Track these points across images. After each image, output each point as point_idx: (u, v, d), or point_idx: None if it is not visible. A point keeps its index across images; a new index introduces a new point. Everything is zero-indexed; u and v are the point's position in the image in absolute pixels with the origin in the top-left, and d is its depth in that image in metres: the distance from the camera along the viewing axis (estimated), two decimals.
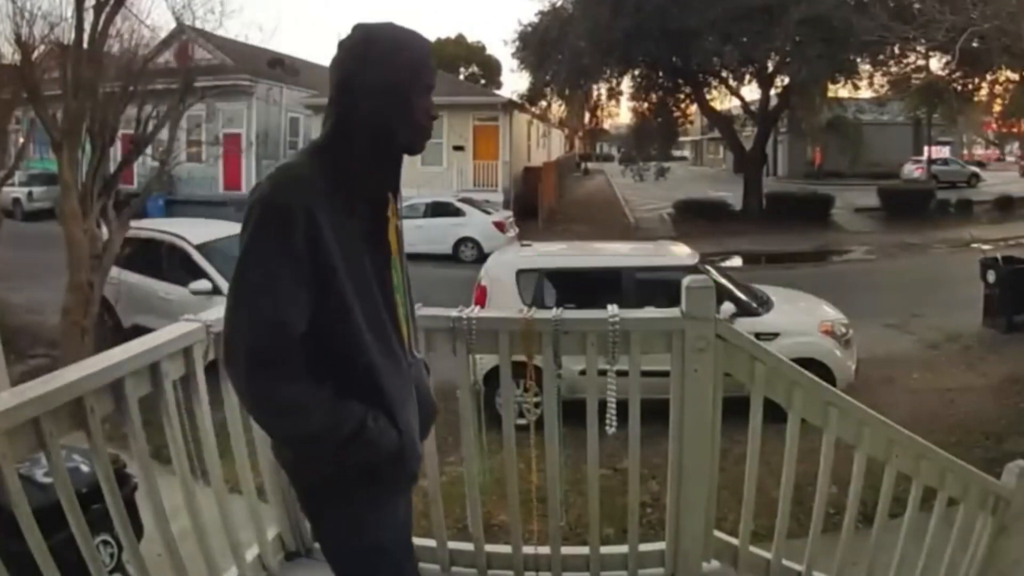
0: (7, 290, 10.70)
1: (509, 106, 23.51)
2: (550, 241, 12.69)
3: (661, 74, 22.76)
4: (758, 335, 4.44)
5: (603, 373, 2.33)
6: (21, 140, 10.80)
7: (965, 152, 39.53)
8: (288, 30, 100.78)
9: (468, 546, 2.55)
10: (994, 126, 30.97)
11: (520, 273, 7.33)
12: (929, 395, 7.50)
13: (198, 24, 10.54)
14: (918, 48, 16.18)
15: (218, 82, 14.29)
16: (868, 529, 2.53)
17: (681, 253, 7.85)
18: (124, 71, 8.35)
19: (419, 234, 14.80)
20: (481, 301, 7.07)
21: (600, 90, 23.58)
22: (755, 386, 2.34)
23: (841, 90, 22.20)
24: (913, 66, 19.28)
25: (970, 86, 20.40)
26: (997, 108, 23.31)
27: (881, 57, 19.20)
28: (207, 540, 2.15)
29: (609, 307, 2.31)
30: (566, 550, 2.54)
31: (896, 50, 18.21)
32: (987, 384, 7.86)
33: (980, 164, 36.71)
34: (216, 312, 2.30)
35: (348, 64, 1.49)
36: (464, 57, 44.17)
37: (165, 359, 2.03)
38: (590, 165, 47.85)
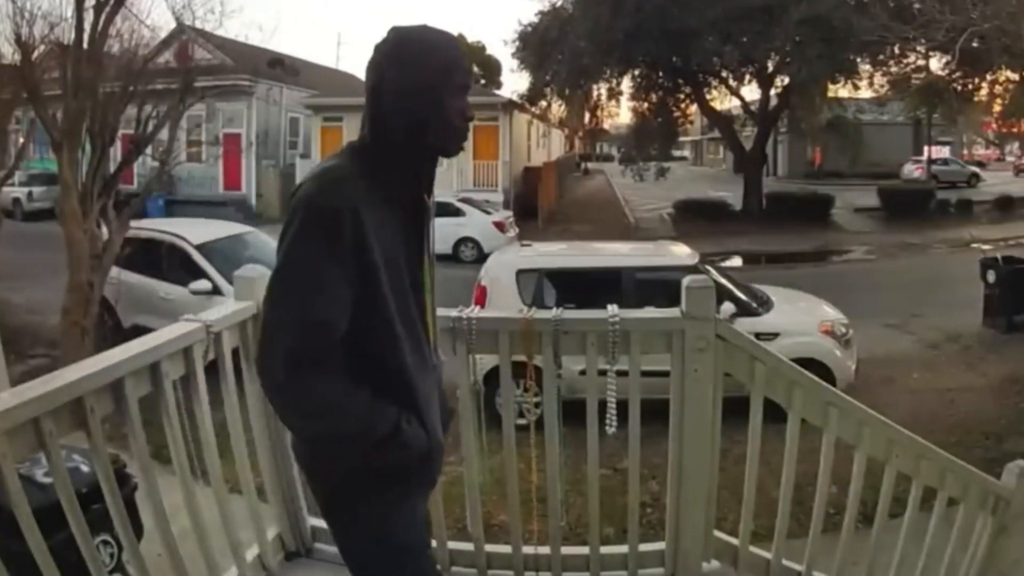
0: (7, 290, 10.69)
1: (509, 106, 23.51)
2: (550, 241, 12.70)
3: (661, 74, 22.76)
4: (758, 335, 4.43)
5: (603, 373, 2.33)
6: (21, 140, 10.79)
7: (965, 152, 39.52)
8: (288, 30, 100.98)
9: (468, 546, 2.55)
10: (994, 126, 30.96)
11: (520, 273, 7.33)
12: (929, 395, 7.49)
13: (198, 24, 10.53)
14: (918, 48, 16.18)
15: (218, 82, 14.27)
16: (868, 529, 2.53)
17: (681, 253, 7.85)
18: (124, 71, 8.34)
19: None
20: (481, 301, 7.07)
21: (600, 90, 23.59)
22: (755, 386, 2.34)
23: (841, 90, 22.24)
24: (913, 66, 19.28)
25: (970, 86, 20.39)
26: (997, 108, 23.30)
27: (881, 57, 19.19)
28: (207, 540, 2.15)
29: (609, 307, 2.31)
30: (566, 550, 2.54)
31: (896, 50, 18.20)
32: (987, 384, 7.85)
33: (980, 164, 36.72)
34: (216, 312, 2.31)
35: (382, 66, 1.50)
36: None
37: (165, 359, 2.03)
38: (590, 165, 47.83)
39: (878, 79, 20.75)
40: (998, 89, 20.47)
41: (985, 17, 10.05)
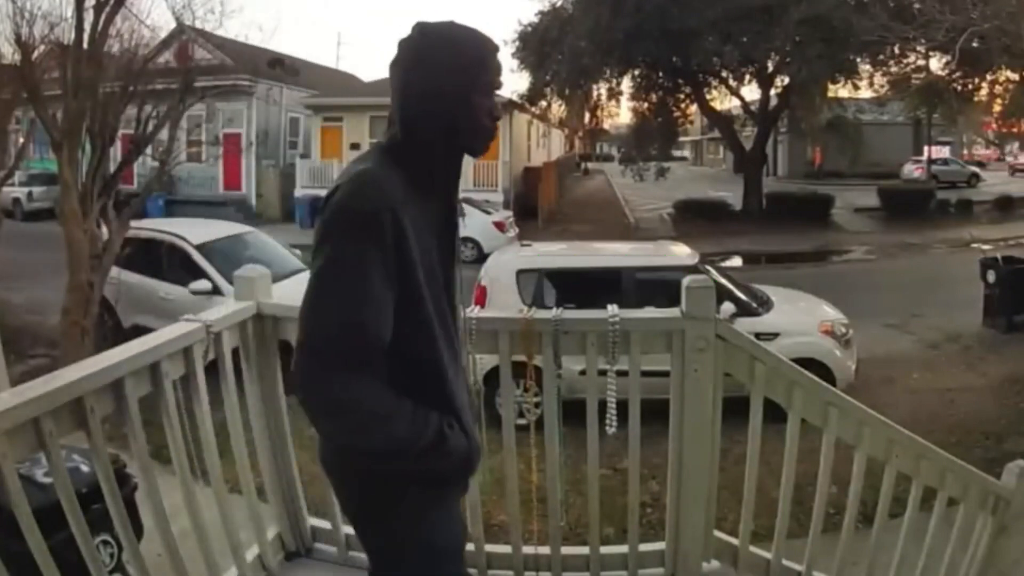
0: (7, 290, 10.69)
1: (509, 106, 23.44)
2: (550, 241, 12.70)
3: (661, 74, 22.75)
4: (758, 335, 4.43)
5: (603, 373, 2.33)
6: (21, 140, 10.78)
7: (965, 152, 39.52)
8: (288, 30, 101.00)
9: (468, 546, 2.54)
10: (994, 126, 30.93)
11: (520, 273, 7.33)
12: (929, 395, 7.49)
13: (198, 24, 10.51)
14: (918, 48, 16.18)
15: (218, 82, 14.24)
16: (868, 529, 2.53)
17: (681, 253, 7.85)
18: (124, 71, 8.33)
19: None
20: (481, 301, 7.06)
21: (600, 90, 23.57)
22: (755, 386, 2.34)
23: (841, 90, 22.21)
24: (913, 66, 19.28)
25: (970, 86, 20.38)
26: (997, 108, 23.28)
27: (881, 57, 19.18)
28: (207, 540, 2.15)
29: (609, 307, 2.31)
30: (566, 550, 2.54)
31: (896, 50, 18.20)
32: (987, 384, 7.85)
33: (980, 164, 36.71)
34: (216, 312, 2.32)
35: (408, 65, 1.48)
36: None
37: (165, 359, 2.03)
38: (590, 165, 47.82)
39: (878, 79, 20.76)
40: (998, 89, 20.47)
41: (985, 17, 10.05)
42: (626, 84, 23.39)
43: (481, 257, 13.78)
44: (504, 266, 7.67)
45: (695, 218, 21.59)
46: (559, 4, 22.53)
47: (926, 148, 30.30)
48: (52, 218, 10.63)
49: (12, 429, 1.59)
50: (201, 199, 20.76)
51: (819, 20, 17.46)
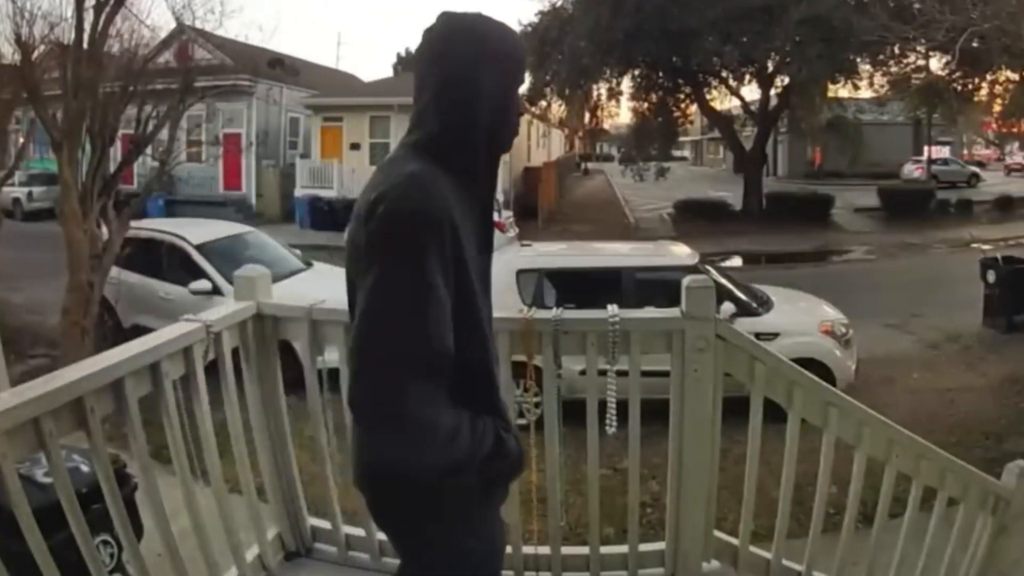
0: (7, 290, 10.68)
1: None
2: (550, 241, 12.69)
3: (661, 74, 22.76)
4: (758, 335, 4.43)
5: (603, 373, 2.33)
6: (21, 140, 10.78)
7: (965, 152, 39.51)
8: (288, 30, 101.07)
9: None
10: (994, 126, 30.93)
11: (520, 273, 7.32)
12: (929, 395, 7.49)
13: (198, 24, 10.51)
14: (918, 48, 16.18)
15: (218, 82, 14.22)
16: (868, 529, 2.52)
17: (681, 253, 7.85)
18: (124, 71, 8.32)
19: None
20: None
21: (600, 90, 23.61)
22: (755, 386, 2.34)
23: (841, 90, 22.23)
24: (913, 66, 19.28)
25: (970, 86, 20.38)
26: (997, 108, 23.28)
27: (881, 57, 19.19)
28: (207, 540, 2.15)
29: (609, 307, 2.31)
30: (566, 550, 2.54)
31: (896, 50, 18.20)
32: (987, 384, 7.85)
33: (980, 164, 36.71)
34: (216, 312, 2.31)
35: (437, 60, 1.44)
36: None
37: (165, 359, 2.03)
38: (590, 165, 47.84)
39: (878, 79, 20.77)
40: (998, 89, 20.46)
41: (985, 17, 10.04)
42: (626, 84, 23.45)
43: None
44: (504, 266, 7.65)
45: (695, 218, 21.60)
46: (559, 4, 22.56)
47: (926, 148, 30.30)
48: (52, 218, 10.62)
49: (12, 429, 1.59)
50: (201, 199, 20.75)
51: (819, 20, 17.47)
